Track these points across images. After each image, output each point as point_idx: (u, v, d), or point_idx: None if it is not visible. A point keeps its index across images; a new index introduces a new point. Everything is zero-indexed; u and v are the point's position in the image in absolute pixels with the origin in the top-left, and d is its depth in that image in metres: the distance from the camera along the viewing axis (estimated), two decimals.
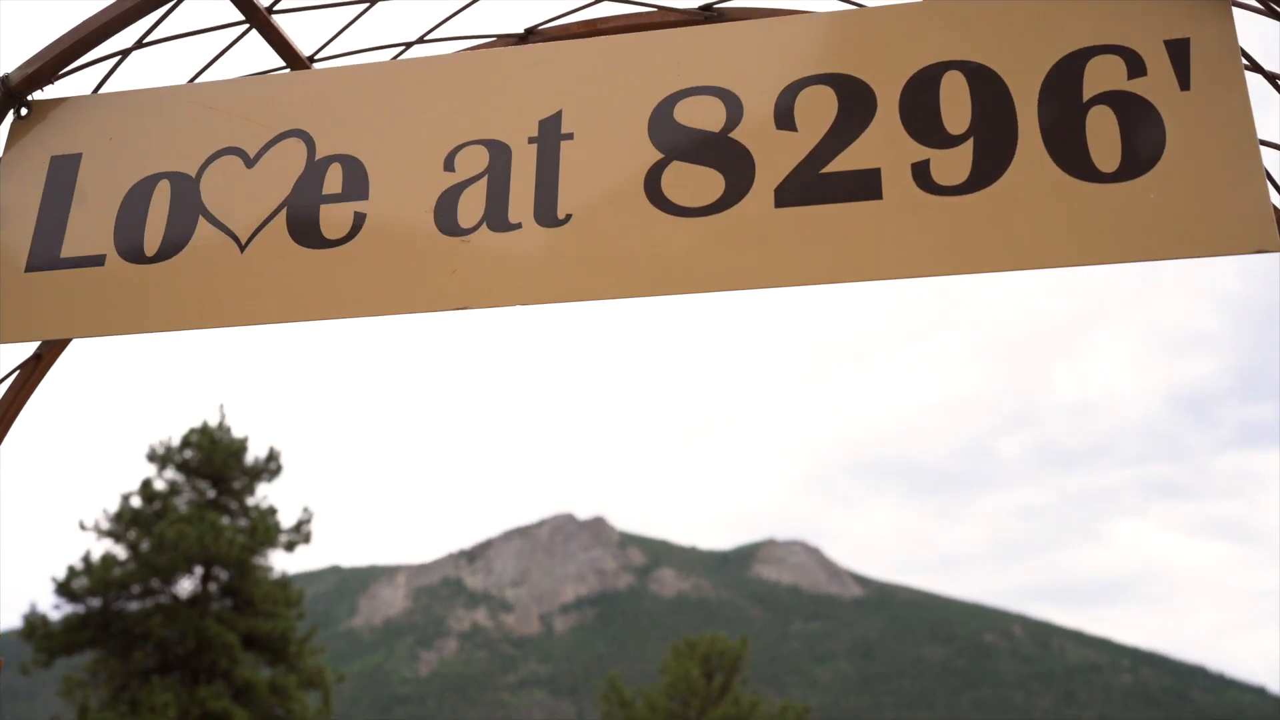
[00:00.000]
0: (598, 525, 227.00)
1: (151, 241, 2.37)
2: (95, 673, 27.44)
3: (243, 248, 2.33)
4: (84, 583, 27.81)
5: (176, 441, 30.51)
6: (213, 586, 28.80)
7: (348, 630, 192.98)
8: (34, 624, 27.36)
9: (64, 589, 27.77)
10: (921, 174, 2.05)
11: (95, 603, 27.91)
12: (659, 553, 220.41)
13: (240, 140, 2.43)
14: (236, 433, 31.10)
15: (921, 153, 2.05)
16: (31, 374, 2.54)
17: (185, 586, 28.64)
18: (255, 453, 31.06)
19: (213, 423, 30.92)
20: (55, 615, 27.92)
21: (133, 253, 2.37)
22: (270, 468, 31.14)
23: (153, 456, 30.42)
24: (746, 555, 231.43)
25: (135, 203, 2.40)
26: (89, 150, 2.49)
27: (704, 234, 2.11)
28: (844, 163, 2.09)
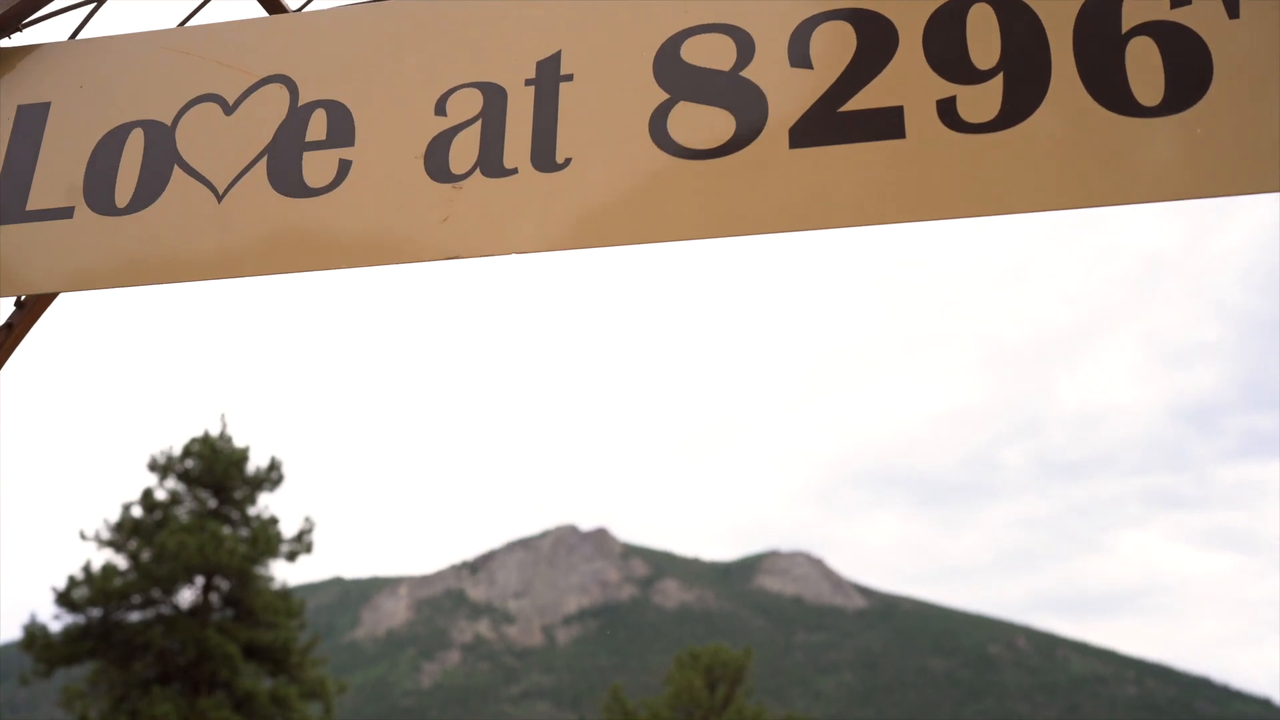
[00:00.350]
0: (600, 536, 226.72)
1: (123, 193, 2.24)
2: (95, 683, 27.32)
3: (220, 198, 2.20)
4: (84, 593, 27.70)
5: (178, 451, 30.43)
6: (214, 597, 28.68)
7: (350, 642, 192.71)
8: (34, 634, 27.25)
9: (64, 599, 27.67)
10: (947, 111, 1.91)
11: (96, 613, 27.80)
12: (662, 564, 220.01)
13: (219, 87, 2.31)
14: (238, 442, 31.02)
15: (947, 89, 1.92)
16: (3, 344, 2.40)
17: (186, 596, 28.53)
18: (256, 462, 30.99)
19: (214, 432, 30.85)
20: (55, 626, 27.81)
21: (103, 204, 2.24)
22: (272, 477, 31.05)
23: (154, 466, 30.33)
24: (750, 566, 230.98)
25: (106, 153, 2.28)
26: (58, 99, 2.36)
27: (713, 177, 1.98)
28: (864, 101, 1.95)
